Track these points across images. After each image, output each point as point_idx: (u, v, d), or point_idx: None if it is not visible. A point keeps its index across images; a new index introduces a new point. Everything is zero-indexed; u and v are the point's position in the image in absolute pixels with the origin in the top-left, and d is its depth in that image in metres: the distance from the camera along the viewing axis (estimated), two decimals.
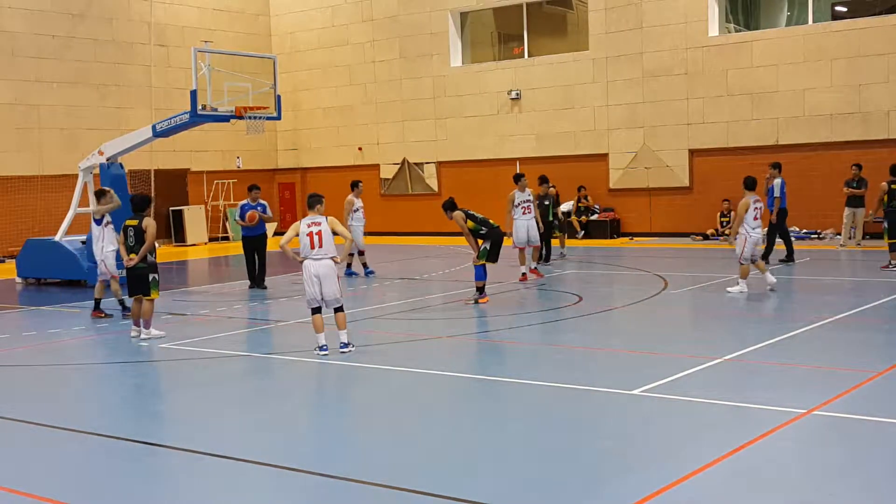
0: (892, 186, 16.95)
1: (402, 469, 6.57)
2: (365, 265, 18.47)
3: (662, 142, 25.52)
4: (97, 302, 14.09)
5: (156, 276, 12.07)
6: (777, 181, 18.06)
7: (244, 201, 16.93)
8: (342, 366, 10.10)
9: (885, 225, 17.04)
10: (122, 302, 14.10)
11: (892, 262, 16.80)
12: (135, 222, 12.13)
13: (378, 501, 6.04)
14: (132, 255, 11.94)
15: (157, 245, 13.82)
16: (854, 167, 21.25)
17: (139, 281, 11.94)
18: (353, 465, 6.73)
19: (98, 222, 14.32)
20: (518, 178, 17.16)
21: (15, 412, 8.54)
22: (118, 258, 13.38)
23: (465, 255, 19.86)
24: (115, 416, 8.65)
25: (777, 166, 18.58)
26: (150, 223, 12.07)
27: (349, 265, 18.42)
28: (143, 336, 12.02)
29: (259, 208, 16.74)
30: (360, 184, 19.08)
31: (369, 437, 7.54)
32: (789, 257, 18.17)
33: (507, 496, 5.97)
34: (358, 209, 18.59)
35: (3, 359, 11.27)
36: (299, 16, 32.00)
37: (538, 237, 17.06)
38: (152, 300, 12.03)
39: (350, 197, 18.53)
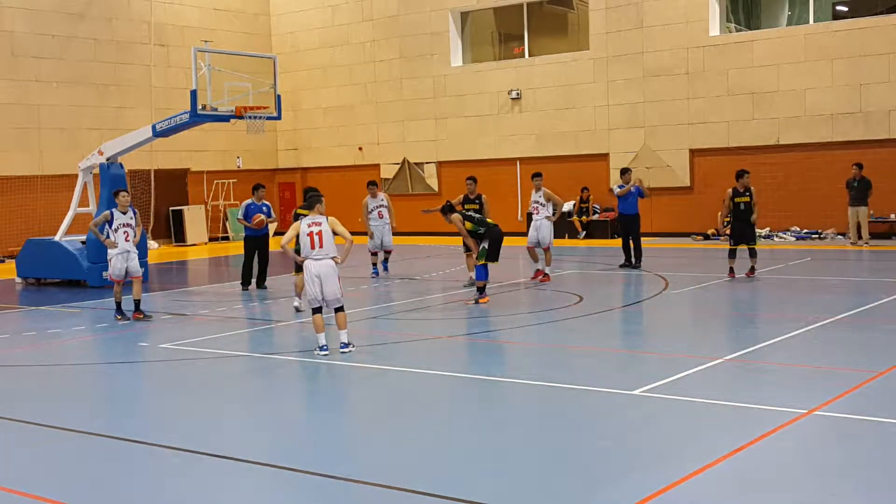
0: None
1: (402, 469, 6.56)
2: (385, 260, 18.46)
3: (663, 142, 25.52)
4: (137, 303, 13.76)
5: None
6: (634, 187, 17.96)
7: (248, 200, 16.56)
8: (342, 366, 10.10)
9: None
10: (119, 304, 13.88)
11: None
12: (306, 212, 12.54)
13: (378, 501, 6.04)
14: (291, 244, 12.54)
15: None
16: (854, 166, 21.25)
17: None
18: (352, 465, 6.73)
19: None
20: (532, 177, 16.87)
21: (15, 412, 8.54)
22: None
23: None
24: (115, 416, 8.64)
25: (628, 171, 18.41)
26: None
27: (374, 264, 18.31)
28: (294, 304, 13.79)
29: (264, 208, 16.64)
30: (372, 184, 18.70)
31: (369, 437, 7.54)
32: (628, 263, 18.01)
33: (507, 496, 5.97)
34: (372, 210, 18.22)
35: (3, 359, 11.26)
36: (299, 16, 32.00)
37: (547, 238, 16.52)
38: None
39: (365, 199, 18.48)
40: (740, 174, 16.19)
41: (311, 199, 11.06)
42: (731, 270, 15.99)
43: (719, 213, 16.15)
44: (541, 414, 8.03)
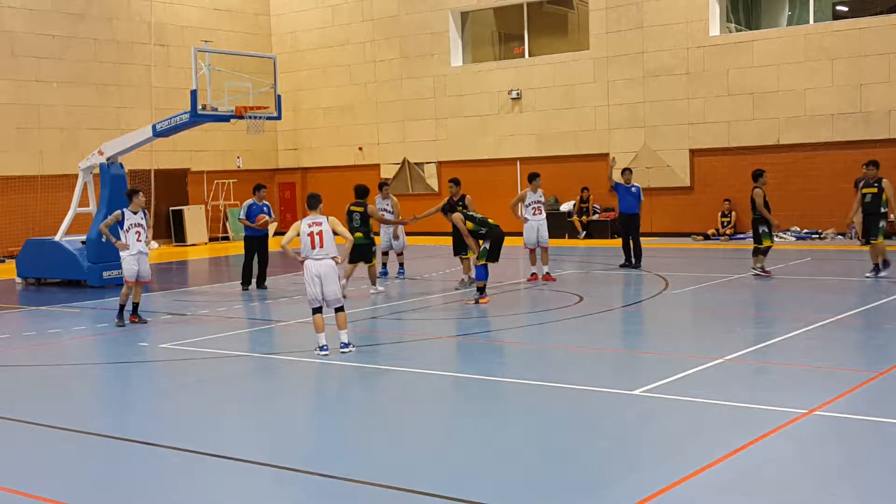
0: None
1: (402, 469, 6.56)
2: (399, 264, 18.01)
3: (663, 141, 25.52)
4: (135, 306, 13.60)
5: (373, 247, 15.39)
6: (635, 187, 17.90)
7: (250, 200, 16.55)
8: (342, 366, 10.10)
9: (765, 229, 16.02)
10: (122, 307, 13.77)
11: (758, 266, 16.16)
12: (360, 209, 15.20)
13: (378, 501, 6.04)
14: (357, 234, 14.75)
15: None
16: (865, 167, 21.16)
17: (363, 252, 15.12)
18: (353, 465, 6.72)
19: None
20: (532, 177, 16.52)
21: (15, 412, 8.54)
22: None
23: None
24: (115, 416, 8.65)
25: (629, 171, 18.32)
26: (373, 210, 15.65)
27: (384, 264, 18.02)
28: (371, 291, 15.50)
29: (265, 209, 16.63)
30: (382, 185, 18.11)
31: (369, 437, 7.54)
32: (628, 262, 17.96)
33: (507, 496, 5.97)
34: (381, 211, 17.52)
35: (3, 359, 11.26)
36: (299, 16, 32.01)
37: (546, 238, 16.45)
38: (372, 265, 15.55)
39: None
40: (760, 173, 16.19)
41: (312, 199, 11.02)
42: (764, 269, 16.02)
43: (767, 217, 15.72)
44: (541, 414, 8.02)
